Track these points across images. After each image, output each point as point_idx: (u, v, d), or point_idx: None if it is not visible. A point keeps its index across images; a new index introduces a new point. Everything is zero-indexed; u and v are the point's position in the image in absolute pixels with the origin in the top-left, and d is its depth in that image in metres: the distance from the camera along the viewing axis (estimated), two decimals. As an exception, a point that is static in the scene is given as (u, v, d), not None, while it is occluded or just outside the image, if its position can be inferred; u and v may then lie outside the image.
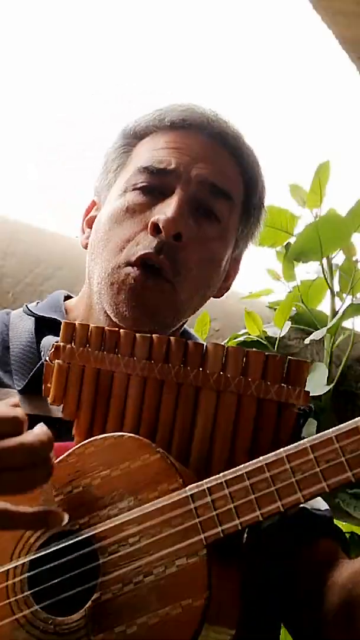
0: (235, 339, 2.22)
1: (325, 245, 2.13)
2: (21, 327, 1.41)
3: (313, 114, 2.66)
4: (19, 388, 1.31)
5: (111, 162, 1.42)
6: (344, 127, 2.62)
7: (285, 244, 2.24)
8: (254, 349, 1.18)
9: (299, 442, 1.04)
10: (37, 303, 1.49)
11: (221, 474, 1.04)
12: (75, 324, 1.21)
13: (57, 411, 1.26)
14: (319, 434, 1.04)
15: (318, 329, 2.19)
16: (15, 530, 1.05)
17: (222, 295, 1.52)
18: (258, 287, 2.35)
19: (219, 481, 1.04)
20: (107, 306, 1.34)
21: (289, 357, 1.17)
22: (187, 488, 1.05)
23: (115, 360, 1.17)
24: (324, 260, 2.18)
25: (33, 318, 1.41)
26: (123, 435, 1.11)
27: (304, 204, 2.21)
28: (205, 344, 1.17)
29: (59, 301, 1.47)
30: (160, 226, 1.30)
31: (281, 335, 2.18)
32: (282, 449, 1.04)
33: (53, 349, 1.19)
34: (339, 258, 2.22)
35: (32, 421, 1.26)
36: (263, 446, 1.13)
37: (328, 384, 2.09)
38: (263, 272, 2.33)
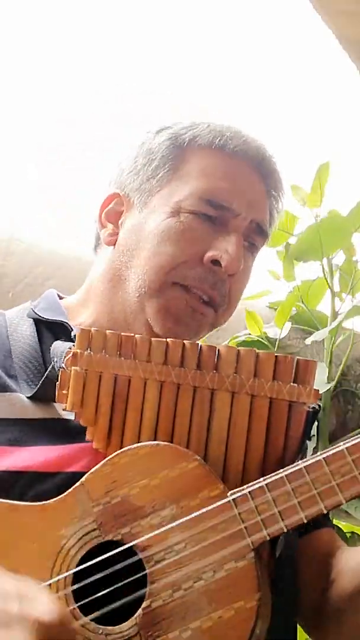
0: (235, 339, 2.21)
1: (326, 245, 2.13)
2: (21, 330, 1.40)
3: (313, 114, 2.66)
4: (28, 394, 1.30)
5: (155, 168, 1.42)
6: (344, 127, 2.62)
7: (285, 243, 2.23)
8: (264, 351, 1.21)
9: (336, 445, 1.08)
10: (33, 304, 1.47)
11: (261, 479, 1.08)
12: (91, 330, 1.22)
13: (65, 415, 1.28)
14: (355, 437, 1.08)
15: (318, 328, 2.19)
16: None
17: None
18: (258, 287, 2.34)
19: (259, 485, 1.08)
20: (151, 316, 1.38)
21: (297, 357, 1.20)
22: (228, 494, 1.08)
23: (133, 365, 1.19)
24: (324, 260, 2.18)
25: (31, 320, 1.41)
26: (159, 444, 1.13)
27: (304, 204, 2.22)
28: (217, 347, 1.20)
29: (57, 302, 1.47)
30: (223, 264, 1.36)
31: (282, 337, 2.18)
32: (319, 453, 1.08)
33: (70, 356, 1.20)
34: (339, 258, 2.22)
35: (43, 424, 1.27)
36: (276, 444, 1.18)
37: (328, 382, 2.09)
38: (263, 272, 2.33)
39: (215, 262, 1.36)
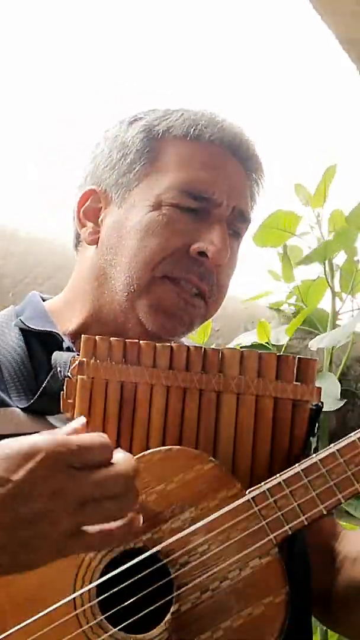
0: (237, 345, 2.21)
1: (330, 250, 2.14)
2: (8, 339, 1.37)
3: (313, 114, 2.66)
4: (22, 406, 1.29)
5: (130, 162, 1.39)
6: (343, 127, 2.62)
7: (283, 245, 2.24)
8: (265, 351, 1.21)
9: (347, 436, 1.11)
10: (17, 309, 1.44)
11: (277, 475, 1.10)
12: (95, 338, 1.20)
13: (62, 426, 1.25)
14: None
15: (318, 329, 2.19)
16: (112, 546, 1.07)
17: None
18: (258, 287, 2.35)
19: (277, 481, 1.09)
20: (142, 313, 1.35)
21: (298, 356, 1.21)
22: (247, 492, 1.09)
23: (139, 371, 1.18)
24: (325, 261, 2.19)
25: (17, 329, 1.38)
26: (172, 449, 1.13)
27: (306, 204, 2.22)
28: (221, 349, 1.20)
29: (43, 308, 1.44)
30: (210, 256, 1.34)
31: (283, 342, 2.19)
32: (332, 445, 1.11)
33: (77, 365, 1.19)
34: (339, 258, 2.22)
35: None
36: (281, 443, 1.19)
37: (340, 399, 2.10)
38: (263, 272, 2.34)
39: (202, 253, 1.35)
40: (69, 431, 1.03)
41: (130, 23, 2.66)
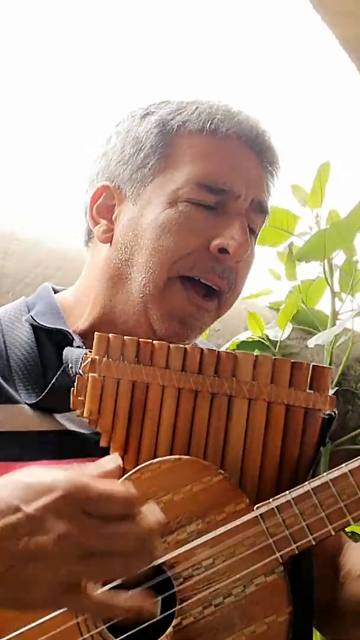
0: (235, 340, 2.22)
1: (329, 247, 2.13)
2: (18, 334, 1.35)
3: (312, 114, 2.66)
4: (30, 402, 1.26)
5: (144, 157, 1.35)
6: (343, 127, 2.62)
7: (288, 243, 2.24)
8: (280, 357, 1.20)
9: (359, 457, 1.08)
10: (28, 300, 1.42)
11: (287, 492, 1.08)
12: (109, 336, 1.19)
13: (69, 425, 1.26)
14: None
15: (318, 329, 2.19)
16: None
17: None
18: (258, 287, 2.35)
19: (286, 499, 1.07)
20: (154, 319, 1.32)
21: (313, 364, 1.19)
22: (255, 508, 1.07)
23: (152, 372, 1.17)
24: (325, 260, 2.19)
25: (28, 324, 1.36)
26: (181, 458, 1.11)
27: (304, 204, 2.22)
28: (234, 353, 1.18)
29: (54, 303, 1.40)
30: (231, 252, 1.30)
31: (283, 338, 2.19)
32: (343, 465, 1.08)
33: (89, 362, 1.18)
34: (339, 258, 2.22)
35: (47, 437, 1.25)
36: (291, 451, 1.17)
37: (332, 387, 2.10)
38: (263, 272, 2.33)
39: (222, 250, 1.31)
40: (99, 472, 1.00)
41: (130, 23, 2.66)
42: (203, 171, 1.32)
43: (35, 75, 2.66)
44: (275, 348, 2.19)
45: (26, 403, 1.27)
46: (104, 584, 0.99)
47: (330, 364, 2.18)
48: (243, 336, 2.23)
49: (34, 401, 1.26)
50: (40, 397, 1.26)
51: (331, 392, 2.07)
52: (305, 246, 2.15)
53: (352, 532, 2.25)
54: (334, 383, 2.17)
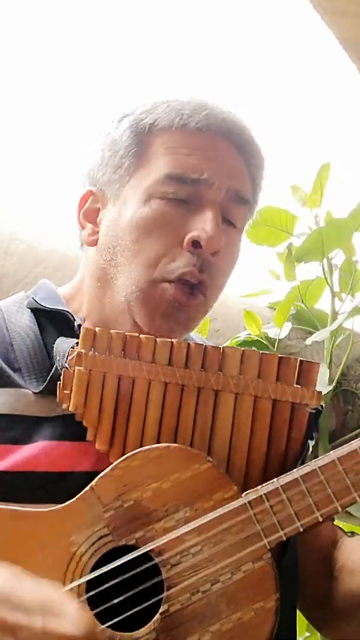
0: (235, 339, 2.22)
1: (327, 246, 2.13)
2: (20, 321, 1.36)
3: (312, 114, 2.66)
4: (35, 390, 1.27)
5: (120, 158, 1.36)
6: (343, 127, 2.62)
7: (287, 244, 2.23)
8: (266, 352, 1.20)
9: (348, 445, 1.09)
10: (28, 293, 1.43)
11: (275, 479, 1.08)
12: (95, 330, 1.20)
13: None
14: None
15: (318, 328, 2.19)
16: None
17: None
18: (258, 287, 2.35)
19: (274, 487, 1.07)
20: (139, 317, 1.32)
21: (300, 358, 1.19)
22: (243, 495, 1.07)
23: (137, 366, 1.18)
24: (324, 260, 2.19)
25: (29, 310, 1.37)
26: (169, 446, 1.12)
27: (304, 204, 2.22)
28: (222, 347, 1.18)
29: (55, 291, 1.42)
30: (202, 244, 1.29)
31: (282, 336, 2.19)
32: (332, 452, 1.08)
33: (75, 356, 1.18)
34: (338, 258, 2.22)
35: (49, 420, 1.25)
36: (278, 446, 1.17)
37: (328, 383, 2.09)
38: (263, 272, 2.34)
39: (196, 243, 1.29)
40: None
41: (130, 24, 2.66)
42: (173, 163, 1.32)
43: (36, 76, 2.67)
44: (274, 348, 2.19)
45: (32, 391, 1.27)
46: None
47: (330, 364, 2.18)
48: (242, 336, 2.23)
49: (40, 388, 1.27)
50: (43, 386, 1.27)
51: (330, 389, 2.10)
52: (303, 246, 2.15)
53: (352, 532, 2.24)
54: (334, 383, 2.17)
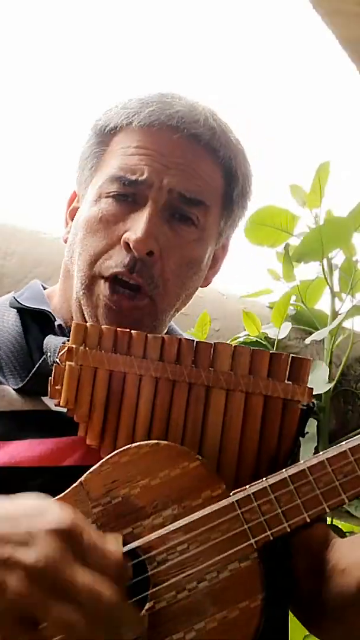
0: (235, 340, 2.21)
1: (327, 245, 2.13)
2: (5, 321, 1.38)
3: (312, 114, 2.66)
4: (15, 387, 1.28)
5: (86, 160, 1.40)
6: (343, 127, 2.62)
7: (285, 244, 2.23)
8: (258, 348, 1.20)
9: (338, 446, 1.08)
10: (17, 294, 1.46)
11: (264, 479, 1.08)
12: (86, 325, 1.21)
13: (53, 406, 1.25)
14: (356, 437, 1.08)
15: (318, 328, 2.19)
16: None
17: (210, 282, 1.51)
18: (258, 287, 2.35)
19: (262, 486, 1.07)
20: (87, 315, 1.34)
21: (292, 354, 1.19)
22: (231, 494, 1.07)
23: (129, 361, 1.18)
24: (324, 260, 2.18)
25: (15, 310, 1.39)
26: (159, 443, 1.12)
27: (303, 204, 2.22)
28: (213, 343, 1.18)
29: (41, 291, 1.46)
30: (131, 247, 1.29)
31: (281, 337, 2.18)
32: (321, 453, 1.08)
33: (65, 351, 1.19)
34: (338, 258, 2.22)
35: (32, 417, 1.26)
36: (270, 442, 1.17)
37: (328, 382, 2.09)
38: (263, 272, 2.33)
39: (127, 244, 1.30)
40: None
41: (129, 24, 2.67)
42: (118, 164, 1.33)
43: (36, 73, 2.67)
44: (274, 348, 2.19)
45: (13, 388, 1.29)
46: None
47: (330, 364, 2.18)
48: (242, 336, 2.23)
49: (19, 385, 1.28)
50: (24, 382, 1.28)
51: (330, 389, 2.10)
52: (301, 245, 2.14)
53: (352, 532, 2.24)
54: (334, 383, 2.16)
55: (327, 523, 2.08)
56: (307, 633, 2.16)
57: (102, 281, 1.32)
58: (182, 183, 1.33)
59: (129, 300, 1.31)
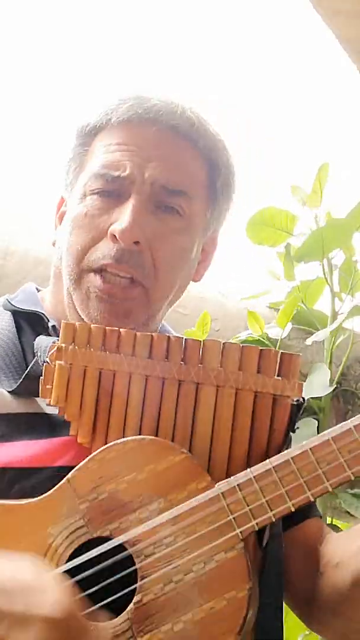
0: (236, 339, 2.22)
1: (327, 245, 2.13)
2: (0, 323, 1.40)
3: (312, 114, 2.66)
4: (9, 389, 1.29)
5: (70, 162, 1.41)
6: (343, 127, 2.61)
7: (285, 244, 2.23)
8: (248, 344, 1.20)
9: (321, 435, 1.08)
10: (11, 297, 1.46)
11: (248, 470, 1.08)
12: (75, 324, 1.21)
13: (47, 409, 1.26)
14: (338, 426, 1.08)
15: (318, 329, 2.19)
16: None
17: (202, 277, 1.51)
18: (258, 287, 2.35)
19: (247, 477, 1.08)
20: (80, 310, 1.35)
21: (281, 350, 1.20)
22: (217, 486, 1.08)
23: (118, 359, 1.18)
24: (324, 261, 2.18)
25: (9, 312, 1.40)
26: (144, 439, 1.12)
27: (303, 205, 2.22)
28: (202, 340, 1.19)
29: (35, 293, 1.47)
30: (117, 237, 1.30)
31: (283, 337, 2.19)
32: (305, 442, 1.08)
33: (55, 350, 1.19)
34: (338, 258, 2.22)
35: (26, 419, 1.26)
36: (260, 437, 1.17)
37: (330, 385, 2.09)
38: (263, 272, 2.34)
39: (114, 235, 1.31)
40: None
41: (129, 24, 2.67)
42: (100, 162, 1.34)
43: (36, 73, 2.68)
44: (276, 348, 2.19)
45: (7, 390, 1.29)
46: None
47: (330, 364, 2.18)
48: (243, 336, 2.24)
49: (13, 387, 1.29)
50: (17, 384, 1.28)
51: (330, 389, 2.10)
52: (303, 246, 2.15)
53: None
54: (334, 383, 2.17)
55: (327, 523, 2.09)
56: (305, 632, 2.17)
57: (91, 274, 1.33)
58: (164, 175, 1.34)
59: (122, 290, 1.32)
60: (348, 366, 2.22)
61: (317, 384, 2.09)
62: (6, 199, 2.42)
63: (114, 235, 1.31)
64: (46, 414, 1.27)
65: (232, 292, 2.35)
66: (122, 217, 1.31)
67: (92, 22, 2.67)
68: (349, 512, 2.13)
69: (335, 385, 2.17)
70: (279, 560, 1.23)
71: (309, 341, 2.17)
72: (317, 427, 2.12)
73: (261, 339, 2.21)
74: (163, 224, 1.35)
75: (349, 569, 1.21)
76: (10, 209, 2.36)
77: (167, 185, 1.34)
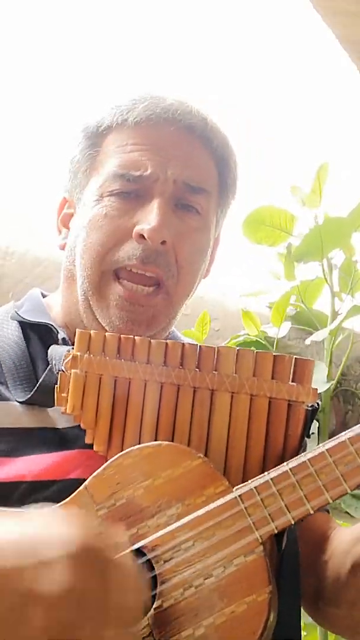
0: (234, 339, 2.22)
1: (327, 245, 2.13)
2: (7, 332, 1.38)
3: (312, 114, 2.66)
4: (21, 400, 1.28)
5: (78, 163, 1.40)
6: (343, 127, 2.62)
7: (287, 244, 2.23)
8: (261, 350, 1.20)
9: (337, 436, 1.09)
10: (17, 304, 1.45)
11: (265, 473, 1.09)
12: (90, 332, 1.21)
13: (59, 422, 1.27)
14: (357, 426, 1.09)
15: (318, 328, 2.19)
16: None
17: (209, 273, 1.51)
18: (258, 286, 2.35)
19: (264, 480, 1.08)
20: (100, 317, 1.34)
21: (295, 356, 1.20)
22: (234, 490, 1.08)
23: (133, 367, 1.19)
24: (324, 260, 2.18)
25: (16, 322, 1.39)
26: (161, 444, 1.12)
27: (303, 205, 2.22)
28: (216, 347, 1.19)
29: (41, 301, 1.46)
30: (146, 235, 1.30)
31: (281, 336, 2.19)
32: (321, 444, 1.09)
33: (70, 359, 1.19)
34: (338, 258, 2.22)
35: (38, 433, 1.26)
36: (275, 443, 1.18)
37: (327, 382, 2.09)
38: (263, 272, 2.34)
39: (141, 235, 1.31)
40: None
41: (129, 24, 2.67)
42: (118, 162, 1.34)
43: (36, 73, 2.67)
44: (274, 347, 2.19)
45: (17, 401, 1.29)
46: None
47: (330, 364, 2.18)
48: (243, 335, 2.23)
49: (24, 399, 1.28)
50: (30, 395, 1.28)
51: (330, 389, 2.10)
52: (302, 245, 2.15)
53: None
54: (334, 383, 2.17)
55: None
56: (303, 633, 2.17)
57: (113, 280, 1.33)
58: (185, 173, 1.35)
59: (145, 297, 1.33)
60: (348, 366, 2.22)
61: (315, 381, 2.09)
62: (6, 199, 2.41)
63: (141, 235, 1.30)
64: (57, 428, 1.27)
65: (232, 291, 2.35)
66: (150, 217, 1.31)
67: (93, 23, 2.67)
68: (348, 513, 2.14)
69: (335, 385, 2.18)
70: (296, 561, 1.24)
71: (308, 341, 2.17)
72: (318, 427, 2.13)
73: (258, 339, 2.21)
74: (184, 223, 1.35)
75: (348, 555, 1.22)
76: (10, 209, 2.36)
77: (190, 182, 1.35)
